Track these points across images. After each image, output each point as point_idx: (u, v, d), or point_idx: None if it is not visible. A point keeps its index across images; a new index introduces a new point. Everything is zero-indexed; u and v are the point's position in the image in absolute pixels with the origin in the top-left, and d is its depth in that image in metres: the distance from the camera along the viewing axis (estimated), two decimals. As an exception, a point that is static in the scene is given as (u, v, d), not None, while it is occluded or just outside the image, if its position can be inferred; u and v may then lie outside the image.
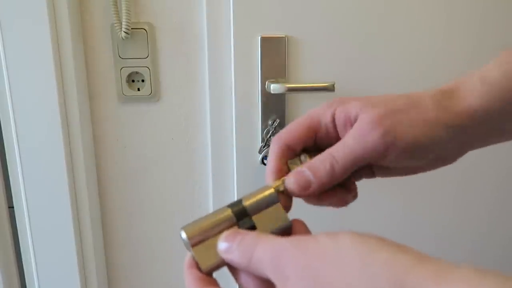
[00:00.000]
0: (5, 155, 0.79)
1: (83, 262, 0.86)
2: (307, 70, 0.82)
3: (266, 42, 0.80)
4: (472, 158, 0.94)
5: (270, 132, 0.83)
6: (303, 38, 0.80)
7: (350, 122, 0.34)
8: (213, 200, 0.89)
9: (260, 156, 0.83)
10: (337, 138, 0.35)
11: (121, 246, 0.92)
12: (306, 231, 0.33)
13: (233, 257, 0.29)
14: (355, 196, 0.36)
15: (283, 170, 0.35)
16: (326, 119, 0.35)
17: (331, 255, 0.24)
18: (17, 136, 0.76)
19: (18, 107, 0.75)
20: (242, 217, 0.32)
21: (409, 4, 0.81)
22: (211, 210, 0.90)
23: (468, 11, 0.82)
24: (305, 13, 0.79)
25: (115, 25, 0.77)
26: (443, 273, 0.22)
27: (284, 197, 0.33)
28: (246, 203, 0.32)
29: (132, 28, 0.78)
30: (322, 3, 0.79)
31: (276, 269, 0.26)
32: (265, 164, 0.83)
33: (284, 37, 0.80)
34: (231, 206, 0.32)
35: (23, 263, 0.85)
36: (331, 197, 0.35)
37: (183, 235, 0.31)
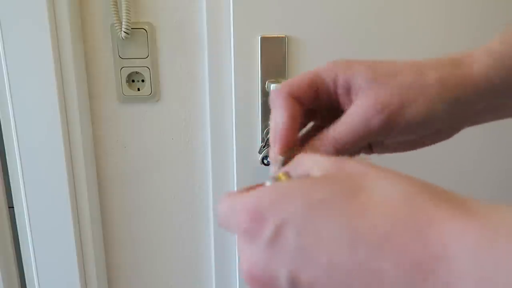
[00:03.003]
0: (5, 155, 0.79)
1: (83, 262, 0.86)
2: (307, 70, 0.82)
3: (266, 42, 0.80)
4: (472, 157, 0.94)
5: (270, 132, 0.83)
6: (303, 38, 0.80)
7: (353, 92, 0.33)
8: (213, 200, 0.89)
9: (260, 156, 0.83)
10: (337, 101, 0.35)
11: (121, 246, 0.92)
12: None
13: None
14: None
15: (294, 138, 0.34)
16: (330, 80, 0.34)
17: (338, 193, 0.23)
18: (17, 136, 0.76)
19: (18, 107, 0.75)
20: None
21: (409, 4, 0.81)
22: (211, 210, 0.90)
23: (468, 11, 0.82)
24: (305, 13, 0.79)
25: (115, 25, 0.77)
26: (457, 203, 0.21)
27: None
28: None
29: (132, 28, 0.78)
30: (322, 3, 0.79)
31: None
32: (265, 164, 0.83)
33: (284, 37, 0.80)
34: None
35: (23, 263, 0.85)
36: None
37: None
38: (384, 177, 0.23)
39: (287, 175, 0.27)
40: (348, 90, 0.34)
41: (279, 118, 0.34)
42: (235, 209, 0.25)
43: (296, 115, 0.34)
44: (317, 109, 0.36)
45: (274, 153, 0.34)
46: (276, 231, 0.23)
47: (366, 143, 0.34)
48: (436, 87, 0.32)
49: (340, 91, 0.34)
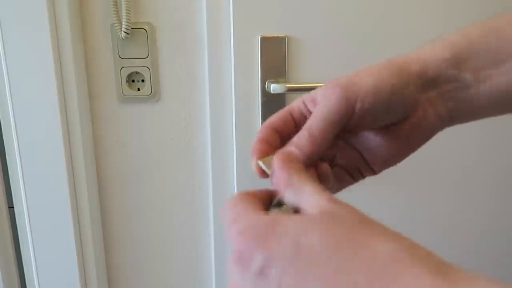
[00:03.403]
0: (5, 155, 0.79)
1: (83, 262, 0.86)
2: (307, 70, 0.82)
3: (266, 42, 0.80)
4: (472, 157, 0.94)
5: (270, 132, 0.83)
6: (303, 38, 0.80)
7: (316, 100, 0.36)
8: (213, 200, 0.89)
9: (260, 156, 0.83)
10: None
11: (121, 246, 0.92)
12: None
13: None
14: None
15: (266, 148, 0.36)
16: (299, 104, 0.37)
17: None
18: (17, 136, 0.76)
19: (18, 107, 0.75)
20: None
21: (409, 4, 0.81)
22: (211, 210, 0.90)
23: (467, 11, 0.82)
24: (305, 13, 0.79)
25: (115, 25, 0.77)
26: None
27: None
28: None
29: (132, 28, 0.78)
30: (322, 3, 0.79)
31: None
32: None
33: (284, 37, 0.80)
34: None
35: (23, 263, 0.85)
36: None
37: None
38: (377, 233, 0.24)
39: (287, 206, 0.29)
40: (313, 100, 0.36)
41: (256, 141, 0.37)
42: (233, 232, 0.27)
43: (269, 135, 0.36)
44: None
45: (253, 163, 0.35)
46: (263, 266, 0.25)
47: (341, 125, 0.35)
48: (383, 66, 0.36)
49: (307, 102, 0.37)
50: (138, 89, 0.84)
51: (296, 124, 0.37)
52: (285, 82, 0.81)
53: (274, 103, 0.82)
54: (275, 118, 0.37)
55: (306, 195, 0.28)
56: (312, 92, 0.37)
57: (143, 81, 0.83)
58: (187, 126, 0.87)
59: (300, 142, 0.33)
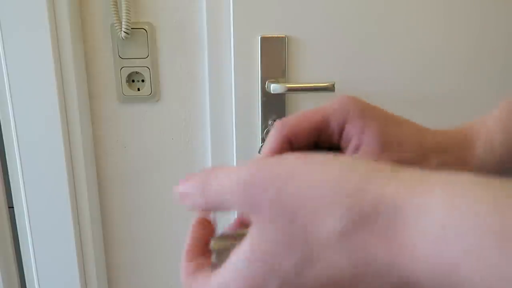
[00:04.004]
0: (5, 155, 0.79)
1: (83, 262, 0.86)
2: (307, 70, 0.82)
3: (266, 42, 0.80)
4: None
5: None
6: (303, 38, 0.80)
7: (356, 143, 0.32)
8: (213, 200, 0.89)
9: (260, 156, 0.84)
10: (337, 141, 0.33)
11: (121, 246, 0.92)
12: None
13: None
14: None
15: None
16: (336, 125, 0.32)
17: (306, 175, 0.23)
18: (17, 136, 0.76)
19: (18, 107, 0.75)
20: None
21: (409, 4, 0.81)
22: (211, 210, 0.90)
23: (468, 11, 0.82)
24: (305, 13, 0.79)
25: (115, 25, 0.77)
26: (421, 176, 0.21)
27: None
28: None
29: (132, 28, 0.78)
30: (322, 3, 0.79)
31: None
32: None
33: (284, 37, 0.80)
34: None
35: (23, 263, 0.85)
36: None
37: None
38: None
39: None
40: (350, 140, 0.32)
41: (266, 147, 0.33)
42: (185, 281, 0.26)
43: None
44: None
45: None
46: None
47: None
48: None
49: (345, 138, 0.33)
50: (138, 89, 0.84)
51: (319, 137, 0.34)
52: (285, 82, 0.81)
53: (274, 103, 0.82)
54: (296, 129, 0.33)
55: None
56: (362, 128, 0.32)
57: (143, 81, 0.83)
58: (187, 126, 0.87)
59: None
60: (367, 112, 0.32)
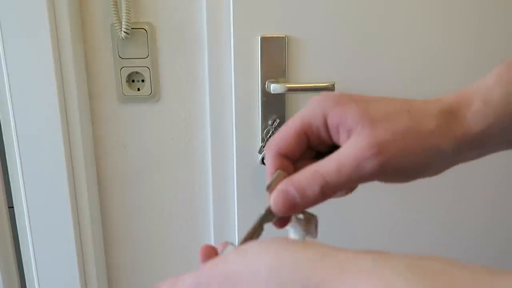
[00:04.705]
0: (5, 155, 0.79)
1: (83, 262, 0.86)
2: (307, 70, 0.82)
3: (266, 42, 0.80)
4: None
5: (270, 132, 0.83)
6: (303, 38, 0.80)
7: (345, 130, 0.32)
8: (213, 200, 0.89)
9: (260, 156, 0.83)
10: (330, 140, 0.33)
11: (121, 246, 0.92)
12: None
13: None
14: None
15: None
16: (318, 122, 0.33)
17: (241, 271, 0.25)
18: (17, 136, 0.76)
19: (18, 107, 0.75)
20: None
21: (409, 4, 0.81)
22: (211, 210, 0.90)
23: (468, 11, 0.82)
24: (305, 13, 0.79)
25: (115, 25, 0.77)
26: (346, 264, 0.22)
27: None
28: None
29: (132, 28, 0.78)
30: (322, 3, 0.79)
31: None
32: (265, 164, 0.83)
33: (284, 37, 0.80)
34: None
35: (23, 263, 0.85)
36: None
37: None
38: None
39: None
40: (339, 127, 0.32)
41: (266, 170, 0.34)
42: None
43: (279, 165, 0.33)
44: (314, 147, 0.35)
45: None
46: None
47: (356, 185, 0.33)
48: (435, 137, 0.31)
49: (332, 127, 0.32)
50: (138, 89, 0.84)
51: (308, 143, 0.34)
52: (285, 82, 0.81)
53: (274, 103, 0.82)
54: (283, 142, 0.33)
55: None
56: (343, 113, 0.32)
57: (143, 81, 0.83)
58: (187, 126, 0.87)
59: (306, 194, 0.30)
60: (343, 99, 0.32)
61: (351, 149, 0.30)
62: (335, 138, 0.33)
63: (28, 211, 0.81)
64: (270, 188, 0.32)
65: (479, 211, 0.94)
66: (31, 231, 0.82)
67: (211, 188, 0.88)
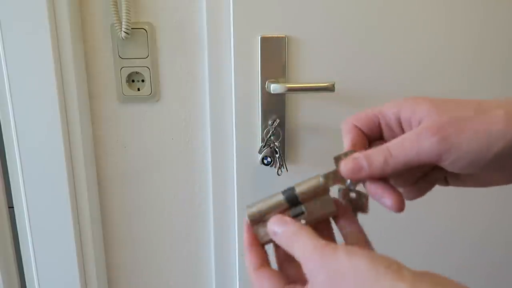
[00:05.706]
0: (5, 155, 0.79)
1: (83, 262, 0.86)
2: (307, 70, 0.82)
3: (266, 42, 0.80)
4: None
5: (270, 132, 0.83)
6: (303, 38, 0.80)
7: (416, 122, 0.35)
8: (213, 200, 0.89)
9: (260, 156, 0.83)
10: (401, 133, 0.37)
11: (121, 246, 0.92)
12: (350, 218, 0.39)
13: (278, 240, 0.35)
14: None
15: (360, 142, 0.38)
16: (392, 114, 0.37)
17: (348, 273, 0.29)
18: (17, 136, 0.77)
19: (18, 107, 0.75)
20: (294, 203, 0.36)
21: (409, 4, 0.81)
22: (211, 210, 0.90)
23: (469, 10, 0.82)
24: (305, 13, 0.79)
25: (115, 25, 0.77)
26: None
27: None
28: (298, 191, 0.36)
29: (132, 28, 0.78)
30: (322, 3, 0.79)
31: (305, 269, 0.31)
32: (265, 164, 0.83)
33: (284, 37, 0.80)
34: (284, 192, 0.37)
35: (23, 263, 0.85)
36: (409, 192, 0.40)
37: (246, 215, 0.38)
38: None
39: None
40: (411, 121, 0.36)
41: (344, 142, 0.39)
42: None
43: (357, 139, 0.38)
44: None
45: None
46: None
47: (420, 165, 0.34)
48: (502, 123, 0.32)
49: (404, 121, 0.36)
50: (138, 89, 0.84)
51: (380, 130, 0.38)
52: (285, 82, 0.81)
53: (274, 103, 0.82)
54: (363, 118, 0.38)
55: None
56: (416, 107, 0.35)
57: (143, 81, 0.83)
58: (187, 126, 0.87)
59: (373, 163, 0.35)
60: (416, 98, 0.36)
61: (416, 130, 0.34)
62: (407, 132, 0.36)
63: (28, 211, 0.81)
64: (338, 158, 0.37)
65: (479, 211, 0.94)
66: (31, 231, 0.82)
67: (211, 188, 0.88)
